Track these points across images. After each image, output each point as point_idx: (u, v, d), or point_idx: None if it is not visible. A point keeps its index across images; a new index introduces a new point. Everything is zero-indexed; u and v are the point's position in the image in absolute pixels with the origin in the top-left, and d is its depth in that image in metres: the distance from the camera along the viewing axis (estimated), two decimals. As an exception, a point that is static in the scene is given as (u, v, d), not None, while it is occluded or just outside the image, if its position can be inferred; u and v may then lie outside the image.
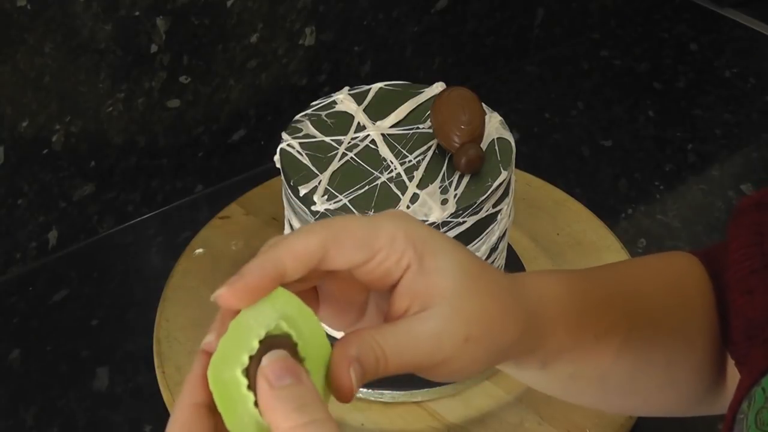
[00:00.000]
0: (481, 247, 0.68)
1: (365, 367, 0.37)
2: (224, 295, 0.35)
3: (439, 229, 0.64)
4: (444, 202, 0.64)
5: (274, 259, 0.36)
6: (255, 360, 0.35)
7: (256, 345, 0.35)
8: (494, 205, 0.67)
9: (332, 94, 0.75)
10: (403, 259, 0.39)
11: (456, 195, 0.65)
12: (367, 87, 0.76)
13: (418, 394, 0.70)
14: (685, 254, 0.54)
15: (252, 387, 0.34)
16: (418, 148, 0.70)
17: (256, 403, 0.34)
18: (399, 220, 0.39)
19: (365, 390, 0.70)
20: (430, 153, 0.69)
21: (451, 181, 0.66)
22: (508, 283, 0.42)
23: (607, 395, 0.50)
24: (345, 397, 0.36)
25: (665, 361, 0.49)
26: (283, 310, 0.36)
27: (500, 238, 0.70)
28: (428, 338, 0.38)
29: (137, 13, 0.80)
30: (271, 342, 0.35)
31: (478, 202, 0.65)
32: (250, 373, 0.34)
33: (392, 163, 0.68)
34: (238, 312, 0.36)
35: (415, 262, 0.39)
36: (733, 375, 0.49)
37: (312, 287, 0.41)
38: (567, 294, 0.46)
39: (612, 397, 0.50)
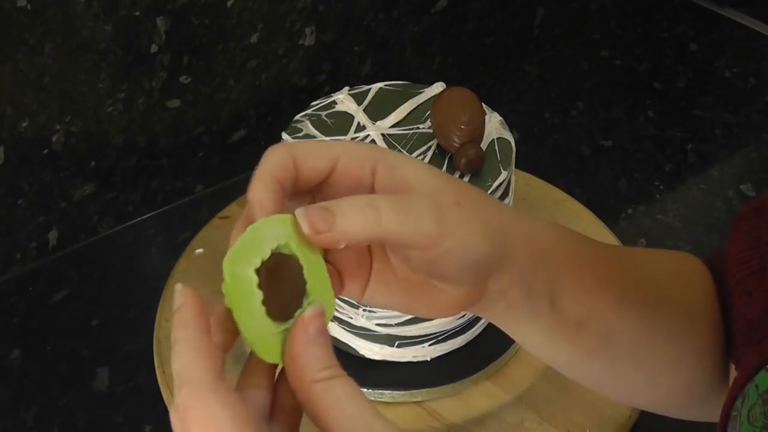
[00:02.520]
0: (481, 247, 0.68)
1: (358, 216, 0.38)
2: (253, 201, 0.40)
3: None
4: (444, 202, 0.64)
5: (265, 175, 0.41)
6: (264, 265, 0.38)
7: (268, 253, 0.38)
8: (494, 205, 0.67)
9: (332, 94, 0.75)
10: (365, 163, 0.41)
11: (456, 195, 0.65)
12: (367, 87, 0.76)
13: (418, 394, 0.70)
14: (687, 253, 0.55)
15: (261, 286, 0.38)
16: (418, 148, 0.70)
17: (263, 302, 0.37)
18: (356, 140, 0.42)
19: (365, 390, 0.70)
20: (430, 153, 0.69)
21: (451, 181, 0.66)
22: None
23: (616, 363, 0.50)
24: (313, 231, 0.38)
25: (667, 332, 0.49)
26: (293, 235, 0.39)
27: (500, 238, 0.70)
28: (423, 197, 0.39)
29: (137, 13, 0.80)
30: (280, 257, 0.38)
31: (478, 202, 0.65)
32: (261, 273, 0.38)
33: (392, 163, 0.68)
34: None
35: (380, 163, 0.41)
36: None
37: None
38: (561, 230, 0.47)
39: (620, 366, 0.50)
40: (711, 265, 0.54)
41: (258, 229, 0.39)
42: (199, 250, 0.84)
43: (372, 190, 0.41)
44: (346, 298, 0.69)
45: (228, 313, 0.39)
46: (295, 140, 0.42)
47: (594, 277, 0.46)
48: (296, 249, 0.38)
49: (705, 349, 0.51)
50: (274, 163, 0.40)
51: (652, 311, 0.49)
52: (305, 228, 0.38)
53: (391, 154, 0.41)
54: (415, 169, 0.41)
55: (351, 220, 0.38)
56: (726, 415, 0.45)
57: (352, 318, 0.70)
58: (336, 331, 0.72)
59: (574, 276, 0.46)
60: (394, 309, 0.45)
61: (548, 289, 0.45)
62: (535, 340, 0.49)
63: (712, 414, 0.53)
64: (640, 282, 0.49)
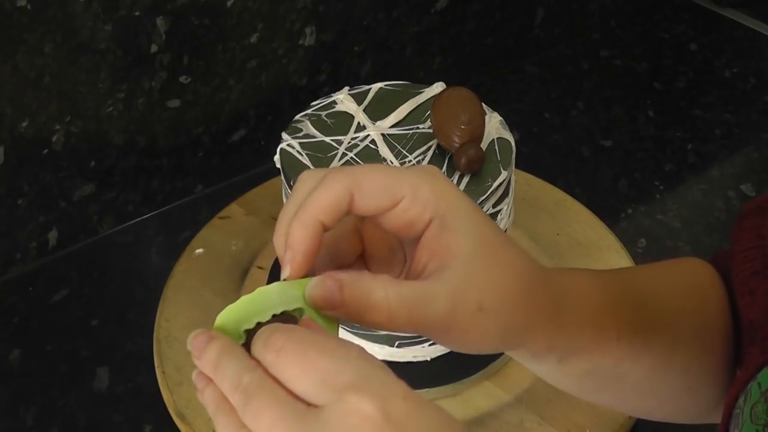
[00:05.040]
0: (481, 247, 0.68)
1: (363, 299, 0.37)
2: (291, 275, 0.38)
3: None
4: (444, 202, 0.64)
5: (311, 220, 0.38)
6: (262, 325, 0.37)
7: (269, 317, 0.38)
8: (494, 205, 0.67)
9: (332, 94, 0.75)
10: (425, 212, 0.39)
11: (456, 195, 0.65)
12: (367, 87, 0.76)
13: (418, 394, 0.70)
14: (698, 259, 0.54)
15: (246, 347, 0.37)
16: (418, 148, 0.70)
17: None
18: (427, 174, 0.40)
19: (365, 390, 0.70)
20: (430, 153, 0.69)
21: (452, 181, 0.66)
22: (535, 270, 0.42)
23: (623, 395, 0.50)
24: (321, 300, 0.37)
25: (684, 366, 0.49)
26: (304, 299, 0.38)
27: (500, 238, 0.70)
28: (442, 298, 0.38)
29: (137, 13, 0.80)
30: (284, 319, 0.38)
31: (478, 202, 0.65)
32: (251, 334, 0.37)
33: (392, 163, 0.68)
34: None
35: (437, 218, 0.39)
36: None
37: (357, 234, 0.42)
38: (590, 293, 0.45)
39: (628, 397, 0.50)
40: (716, 263, 0.53)
41: (267, 293, 0.38)
42: (199, 250, 0.84)
43: (417, 241, 0.40)
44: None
45: None
46: (362, 167, 0.40)
47: (617, 338, 0.45)
48: (309, 312, 0.38)
49: (718, 367, 0.50)
50: (326, 202, 0.38)
51: (670, 350, 0.48)
52: (317, 301, 0.37)
53: (455, 212, 0.39)
54: (461, 244, 0.39)
55: (362, 309, 0.37)
56: (728, 413, 0.45)
57: (352, 318, 0.70)
58: (336, 331, 0.72)
59: (591, 343, 0.45)
60: None
61: (558, 356, 0.45)
62: (540, 374, 0.49)
63: (718, 418, 0.53)
64: (660, 321, 0.48)
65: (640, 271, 0.55)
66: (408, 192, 0.39)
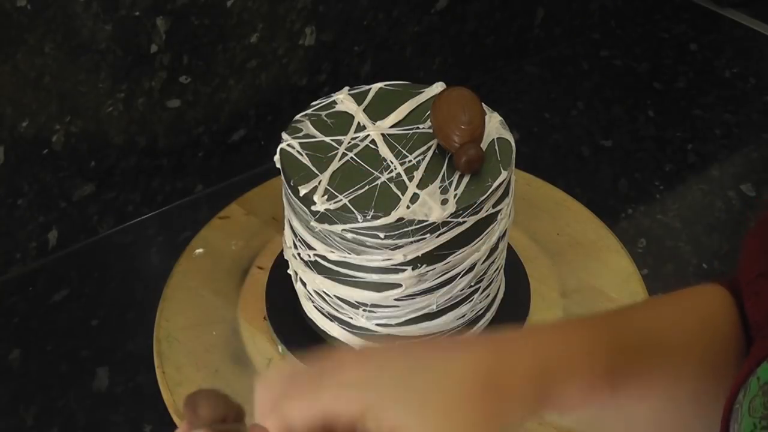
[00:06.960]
0: (481, 247, 0.68)
1: None
2: None
3: (439, 229, 0.64)
4: (444, 202, 0.64)
5: None
6: None
7: None
8: (494, 205, 0.67)
9: (332, 94, 0.75)
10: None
11: (456, 195, 0.65)
12: (367, 87, 0.76)
13: (418, 394, 0.70)
14: (713, 286, 0.53)
15: None
16: (418, 148, 0.70)
17: None
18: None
19: (365, 390, 0.70)
20: (430, 153, 0.69)
21: (451, 181, 0.66)
22: (497, 370, 0.41)
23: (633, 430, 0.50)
24: None
25: (693, 394, 0.48)
26: None
27: (500, 238, 0.70)
28: None
29: (137, 13, 0.80)
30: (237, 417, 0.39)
31: (478, 202, 0.65)
32: None
33: (392, 163, 0.68)
34: None
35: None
36: None
37: None
38: (583, 347, 0.45)
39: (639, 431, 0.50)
40: (732, 286, 0.52)
41: None
42: (199, 250, 0.84)
43: None
44: (345, 298, 0.69)
45: None
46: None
47: (611, 388, 0.45)
48: None
49: (728, 388, 0.50)
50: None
51: (674, 384, 0.48)
52: None
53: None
54: None
55: None
56: (729, 409, 0.45)
57: (352, 318, 0.70)
58: (336, 331, 0.72)
59: (582, 402, 0.44)
60: None
61: (552, 413, 0.44)
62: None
63: None
64: (660, 358, 0.47)
65: (643, 307, 0.54)
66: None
